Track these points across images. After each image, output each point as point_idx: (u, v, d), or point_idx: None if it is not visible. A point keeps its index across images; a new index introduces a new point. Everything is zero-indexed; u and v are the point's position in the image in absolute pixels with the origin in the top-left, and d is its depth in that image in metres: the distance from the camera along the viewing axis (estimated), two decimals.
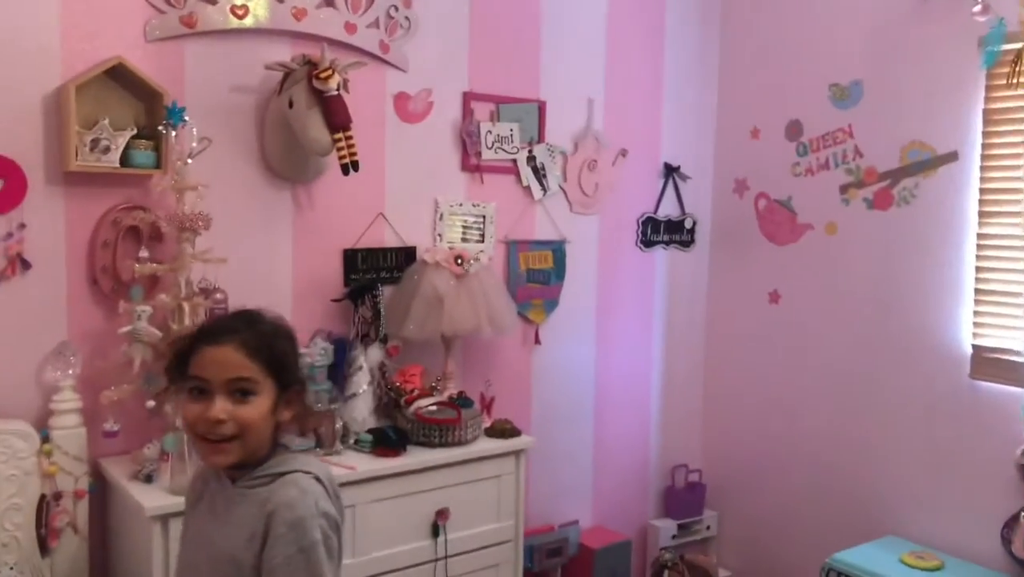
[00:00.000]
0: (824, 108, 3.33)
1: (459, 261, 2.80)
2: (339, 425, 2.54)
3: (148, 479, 2.25)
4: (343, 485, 2.33)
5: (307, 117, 2.42)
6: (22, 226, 2.29)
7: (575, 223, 3.37)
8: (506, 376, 3.20)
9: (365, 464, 2.47)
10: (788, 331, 3.49)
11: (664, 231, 3.64)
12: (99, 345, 2.40)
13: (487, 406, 2.92)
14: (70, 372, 2.33)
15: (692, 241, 3.73)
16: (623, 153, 3.47)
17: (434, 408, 2.68)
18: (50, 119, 2.31)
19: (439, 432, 2.61)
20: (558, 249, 3.32)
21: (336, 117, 2.40)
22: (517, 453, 2.74)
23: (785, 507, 3.49)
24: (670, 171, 3.62)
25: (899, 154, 3.10)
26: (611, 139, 3.42)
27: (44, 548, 2.28)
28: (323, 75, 2.37)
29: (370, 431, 2.58)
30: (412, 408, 2.65)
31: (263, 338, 1.53)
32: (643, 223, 3.57)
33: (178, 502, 2.12)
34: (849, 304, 3.26)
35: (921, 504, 3.05)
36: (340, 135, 2.44)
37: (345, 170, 2.48)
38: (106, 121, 2.32)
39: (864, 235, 3.21)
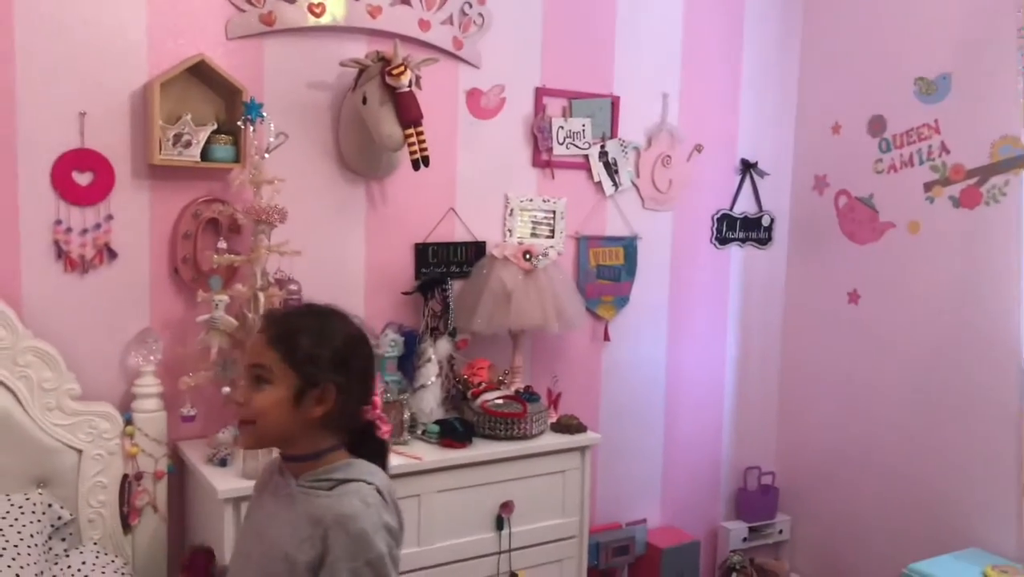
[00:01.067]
0: (909, 103, 3.22)
1: (527, 256, 2.81)
2: (407, 415, 2.58)
3: (223, 463, 2.33)
4: (409, 475, 2.42)
5: (380, 113, 2.47)
6: (110, 217, 2.40)
7: (647, 219, 3.34)
8: (574, 372, 3.20)
9: (431, 454, 2.50)
10: (867, 333, 3.38)
11: (740, 228, 3.58)
12: (180, 332, 2.50)
13: (554, 401, 2.93)
14: (152, 358, 2.43)
15: (769, 239, 3.65)
16: (698, 148, 3.42)
17: (500, 401, 2.70)
18: (136, 115, 2.41)
19: (504, 425, 2.63)
20: (629, 245, 3.30)
21: (408, 113, 2.44)
22: (583, 449, 2.74)
23: (861, 513, 3.40)
24: (747, 167, 3.55)
25: (989, 150, 2.97)
26: (686, 134, 3.38)
27: (126, 526, 2.40)
28: (395, 71, 2.41)
29: (437, 422, 2.62)
30: (479, 401, 2.68)
31: (287, 329, 1.52)
32: (718, 220, 3.52)
33: (249, 485, 2.19)
34: (931, 306, 3.14)
35: (1006, 517, 2.92)
36: (412, 130, 2.48)
37: (416, 165, 2.51)
38: (188, 117, 2.40)
39: (949, 235, 3.09)
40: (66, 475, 2.31)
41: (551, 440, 2.70)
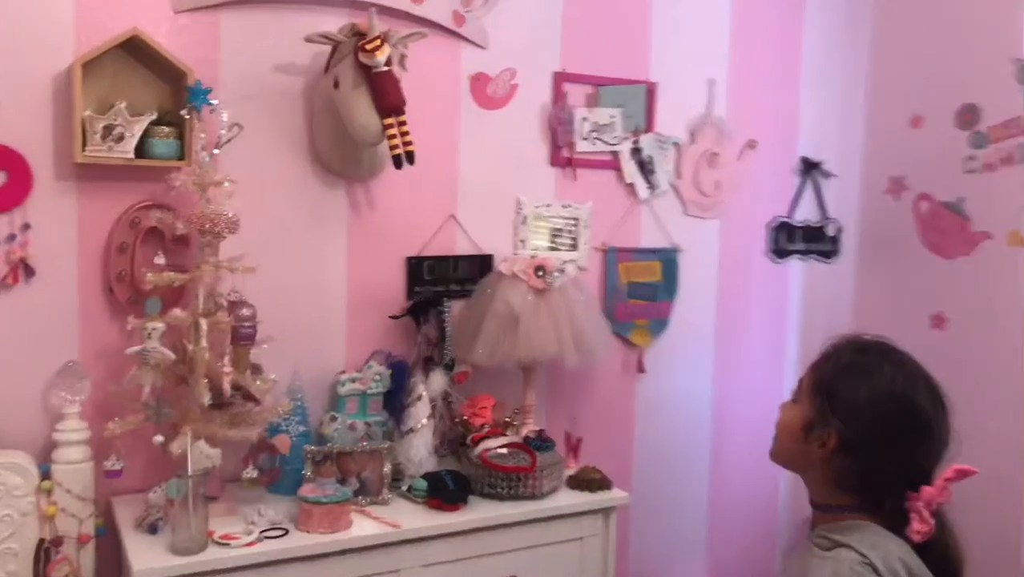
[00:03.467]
0: (1007, 89, 2.67)
1: (540, 272, 2.32)
2: (387, 469, 2.12)
3: (152, 529, 1.89)
4: (385, 546, 1.95)
5: (352, 98, 2.01)
6: (26, 227, 1.98)
7: (690, 228, 2.83)
8: (601, 411, 2.71)
9: (415, 519, 2.03)
10: (955, 363, 2.78)
11: (801, 239, 3.05)
12: (116, 366, 2.07)
13: (573, 448, 2.44)
14: (75, 398, 2.00)
15: (836, 251, 3.12)
16: (751, 145, 2.90)
17: (504, 451, 2.21)
18: (60, 104, 1.99)
19: (507, 482, 2.15)
20: (668, 259, 2.79)
21: (386, 97, 1.98)
22: (606, 511, 2.24)
23: None
24: (809, 167, 3.03)
25: None
26: (736, 128, 2.87)
27: None
28: (369, 47, 1.95)
29: (426, 476, 2.15)
30: (478, 449, 2.20)
31: (836, 357, 1.46)
32: (775, 229, 3.00)
33: (179, 564, 1.76)
34: None
35: None
36: (392, 120, 2.02)
37: (398, 162, 2.06)
38: (123, 105, 1.98)
39: None
40: None
41: (566, 500, 2.21)
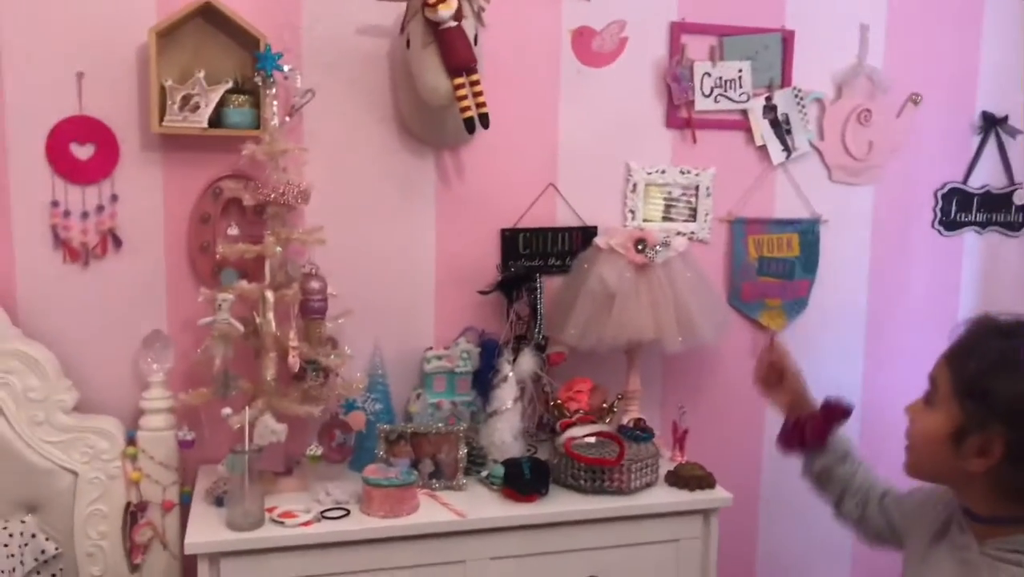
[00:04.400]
0: None
1: (640, 246, 2.10)
2: (462, 452, 1.99)
3: (219, 502, 1.88)
4: (449, 535, 1.84)
5: (421, 58, 1.88)
6: (114, 198, 2.02)
7: (836, 196, 2.49)
8: (723, 401, 2.45)
9: (486, 508, 1.89)
10: None
11: (979, 208, 2.60)
12: (202, 336, 2.07)
13: (679, 439, 2.20)
14: (161, 366, 2.03)
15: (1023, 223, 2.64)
16: (914, 99, 2.50)
17: (592, 440, 2.02)
18: (144, 75, 2.00)
19: (590, 474, 1.96)
20: (808, 231, 2.46)
21: (453, 55, 1.84)
22: (706, 512, 1.99)
23: None
24: (991, 124, 2.57)
25: None
26: (896, 80, 2.47)
27: (132, 563, 2.02)
28: (432, 1, 1.81)
29: (506, 462, 2.00)
30: (563, 437, 2.02)
31: (969, 345, 1.25)
32: (945, 197, 2.58)
33: (230, 540, 1.73)
34: None
35: None
36: (463, 79, 1.87)
37: (470, 127, 1.91)
38: (201, 75, 1.96)
39: None
40: (61, 501, 1.97)
41: (660, 497, 1.98)
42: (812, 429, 1.63)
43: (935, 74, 2.51)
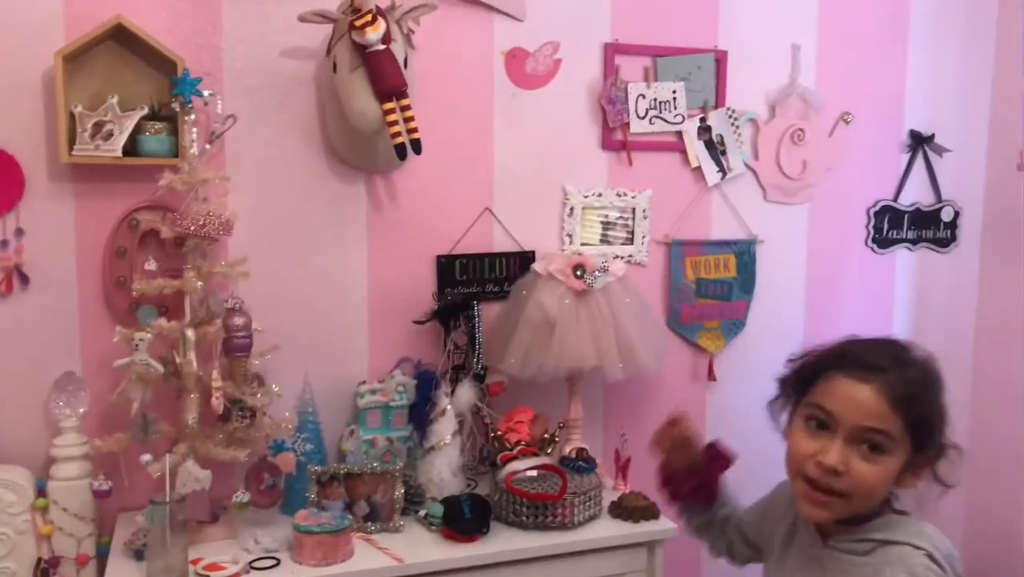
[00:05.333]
0: None
1: (579, 272, 2.05)
2: (399, 492, 1.91)
3: (139, 555, 1.76)
4: None
5: (349, 82, 1.81)
6: (20, 232, 1.89)
7: (771, 216, 2.48)
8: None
9: (425, 551, 1.81)
10: None
11: (910, 225, 2.63)
12: (120, 377, 1.95)
13: (622, 468, 2.15)
14: (74, 410, 1.90)
15: (953, 239, 2.67)
16: (845, 118, 2.51)
17: (533, 473, 1.96)
18: (51, 102, 1.87)
19: (532, 510, 1.90)
20: (745, 252, 2.45)
21: (381, 80, 1.76)
22: (651, 545, 1.95)
23: None
24: (919, 142, 2.60)
25: None
26: (827, 99, 2.49)
27: None
28: (359, 23, 1.73)
29: (446, 500, 1.93)
30: (503, 472, 1.96)
31: (912, 387, 1.28)
32: (877, 214, 2.60)
33: None
34: None
35: None
36: (393, 104, 1.80)
37: (401, 153, 1.84)
38: (114, 100, 1.85)
39: None
40: None
41: (604, 531, 1.93)
42: (707, 486, 1.64)
43: (865, 93, 2.54)
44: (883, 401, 1.25)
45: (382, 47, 1.76)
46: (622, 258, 2.29)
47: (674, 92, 2.32)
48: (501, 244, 2.24)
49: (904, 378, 1.28)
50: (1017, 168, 2.59)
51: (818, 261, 2.56)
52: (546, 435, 2.08)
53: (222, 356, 1.82)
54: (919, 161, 2.61)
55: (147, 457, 1.78)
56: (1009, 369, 2.62)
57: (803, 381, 1.37)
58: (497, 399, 2.16)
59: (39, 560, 1.86)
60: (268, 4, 2.00)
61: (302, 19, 1.85)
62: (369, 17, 1.73)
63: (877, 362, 1.28)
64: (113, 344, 1.86)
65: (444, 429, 2.01)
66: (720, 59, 2.36)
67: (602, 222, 2.32)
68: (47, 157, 1.89)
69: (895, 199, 2.60)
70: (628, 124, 2.29)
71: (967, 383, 2.73)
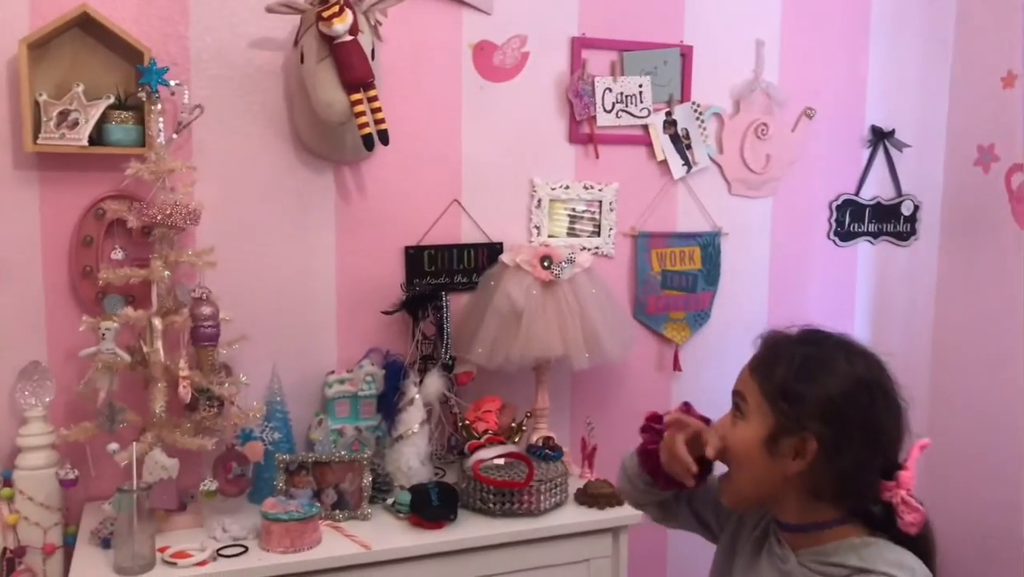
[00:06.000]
0: None
1: (546, 263, 2.08)
2: (367, 480, 1.93)
3: (106, 543, 1.77)
4: (355, 567, 1.77)
5: (316, 73, 1.82)
6: None
7: (736, 209, 2.52)
8: (630, 415, 2.41)
9: (392, 537, 1.83)
10: None
11: (871, 219, 2.68)
12: (86, 367, 1.95)
13: (588, 456, 2.18)
14: (40, 400, 1.90)
15: (912, 232, 2.73)
16: (808, 113, 2.56)
17: (500, 462, 1.99)
18: (16, 90, 1.87)
19: (499, 497, 1.92)
20: (709, 244, 2.49)
21: (348, 71, 1.78)
22: (615, 530, 1.98)
23: None
24: (880, 137, 2.65)
25: None
26: (791, 94, 2.53)
27: None
28: (327, 14, 1.75)
29: (412, 489, 1.94)
30: (471, 460, 1.98)
31: (771, 355, 1.27)
32: (839, 208, 2.65)
33: None
34: None
35: None
36: (360, 95, 1.81)
37: (368, 144, 1.86)
38: (80, 89, 1.85)
39: None
40: None
41: (569, 517, 1.96)
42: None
43: (827, 89, 2.58)
44: (748, 366, 1.30)
45: (349, 38, 1.77)
46: (589, 250, 2.32)
47: (640, 86, 2.35)
48: (469, 235, 2.26)
49: (773, 348, 1.28)
50: (973, 163, 2.64)
51: (781, 253, 2.60)
52: (513, 424, 2.11)
53: (189, 345, 1.83)
54: (880, 156, 2.66)
55: (114, 446, 1.78)
56: (966, 360, 2.68)
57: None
58: (465, 388, 2.19)
59: (4, 550, 1.86)
60: None
61: (269, 10, 1.86)
62: (336, 8, 1.74)
63: (769, 340, 1.31)
64: (79, 333, 1.86)
65: (412, 418, 2.03)
66: (685, 54, 2.40)
67: (569, 214, 2.34)
68: (12, 145, 1.88)
69: (857, 193, 2.65)
70: (595, 117, 2.32)
71: (925, 373, 2.79)
